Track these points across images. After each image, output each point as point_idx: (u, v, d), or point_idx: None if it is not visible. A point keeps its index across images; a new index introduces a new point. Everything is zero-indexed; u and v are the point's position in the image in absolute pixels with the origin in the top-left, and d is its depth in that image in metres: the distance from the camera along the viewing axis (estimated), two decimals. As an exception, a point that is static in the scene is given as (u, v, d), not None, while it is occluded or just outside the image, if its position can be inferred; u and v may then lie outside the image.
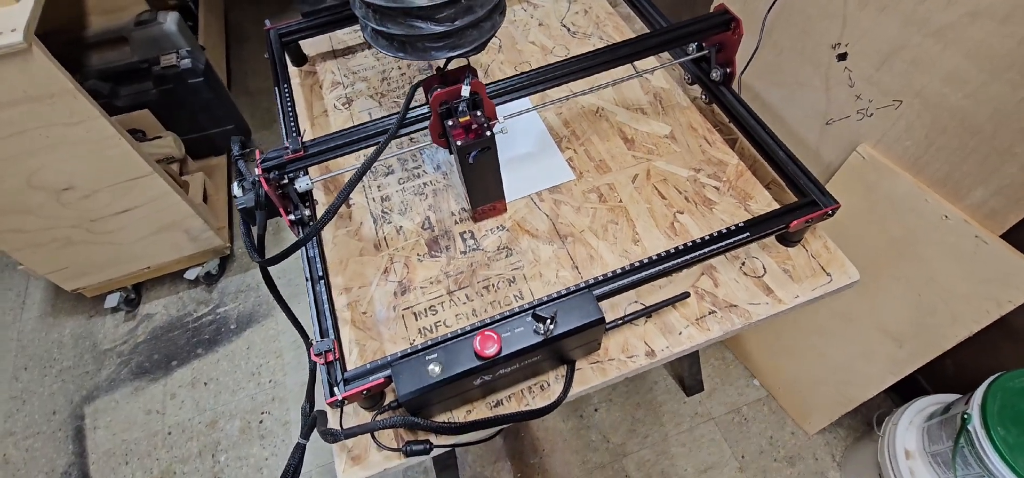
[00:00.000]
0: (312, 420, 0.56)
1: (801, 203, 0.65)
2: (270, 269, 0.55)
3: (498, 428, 0.59)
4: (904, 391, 1.23)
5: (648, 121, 0.83)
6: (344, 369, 0.58)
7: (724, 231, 0.63)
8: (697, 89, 0.84)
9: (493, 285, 0.69)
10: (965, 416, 0.89)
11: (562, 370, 0.61)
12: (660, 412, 1.40)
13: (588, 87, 0.78)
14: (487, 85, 0.67)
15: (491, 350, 0.52)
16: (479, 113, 0.63)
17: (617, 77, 0.78)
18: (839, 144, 0.98)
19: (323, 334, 0.59)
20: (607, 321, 0.62)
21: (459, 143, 0.61)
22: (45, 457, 1.42)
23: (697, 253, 0.62)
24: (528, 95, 0.69)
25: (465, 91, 0.62)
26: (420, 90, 0.65)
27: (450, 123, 0.63)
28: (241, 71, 2.23)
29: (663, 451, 1.32)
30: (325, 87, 0.93)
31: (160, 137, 1.54)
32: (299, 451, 0.56)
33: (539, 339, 0.53)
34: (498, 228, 0.74)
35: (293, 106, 0.80)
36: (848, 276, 0.66)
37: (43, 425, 1.47)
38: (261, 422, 1.45)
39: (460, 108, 0.62)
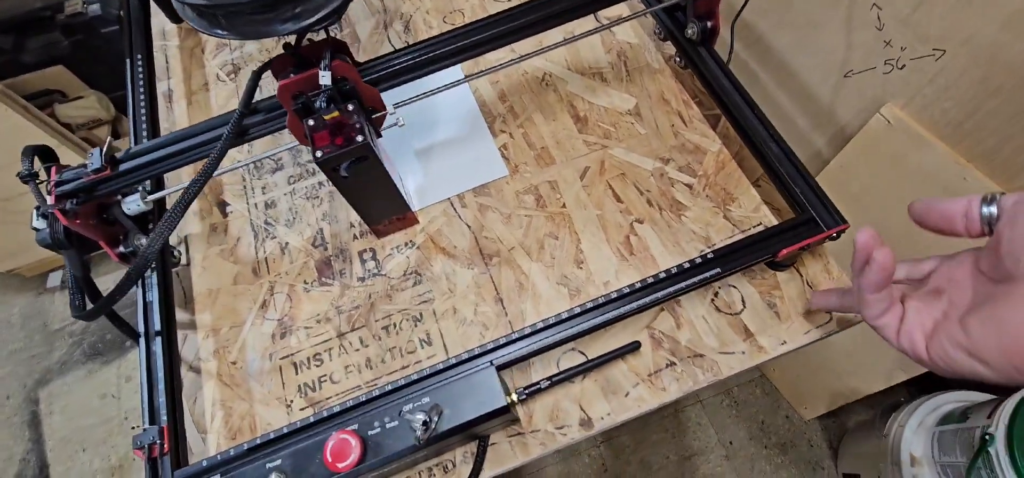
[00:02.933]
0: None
1: (796, 221, 0.48)
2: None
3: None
4: (919, 379, 1.09)
5: (607, 92, 0.64)
6: (181, 461, 0.44)
7: (686, 265, 0.47)
8: (673, 45, 0.64)
9: (395, 325, 0.54)
10: (986, 436, 0.75)
11: (471, 446, 0.48)
12: (644, 391, 1.29)
13: (535, 46, 0.59)
14: (369, 64, 0.49)
15: (349, 460, 0.38)
16: (352, 106, 0.46)
17: (571, 32, 0.58)
18: (859, 102, 0.78)
19: (153, 417, 0.45)
20: (532, 381, 0.48)
21: (318, 155, 0.44)
22: (2, 444, 1.37)
23: (644, 299, 0.46)
24: (439, 69, 0.51)
25: (324, 78, 0.44)
26: (267, 75, 0.47)
27: (311, 123, 0.45)
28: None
29: (643, 438, 1.22)
30: (208, 49, 0.74)
31: (81, 97, 1.36)
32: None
33: (411, 443, 0.38)
34: (406, 245, 0.58)
35: (149, 87, 0.63)
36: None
37: (-3, 411, 1.41)
38: (219, 406, 1.37)
39: (318, 103, 0.44)
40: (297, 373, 0.53)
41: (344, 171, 0.46)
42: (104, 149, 0.45)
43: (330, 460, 0.38)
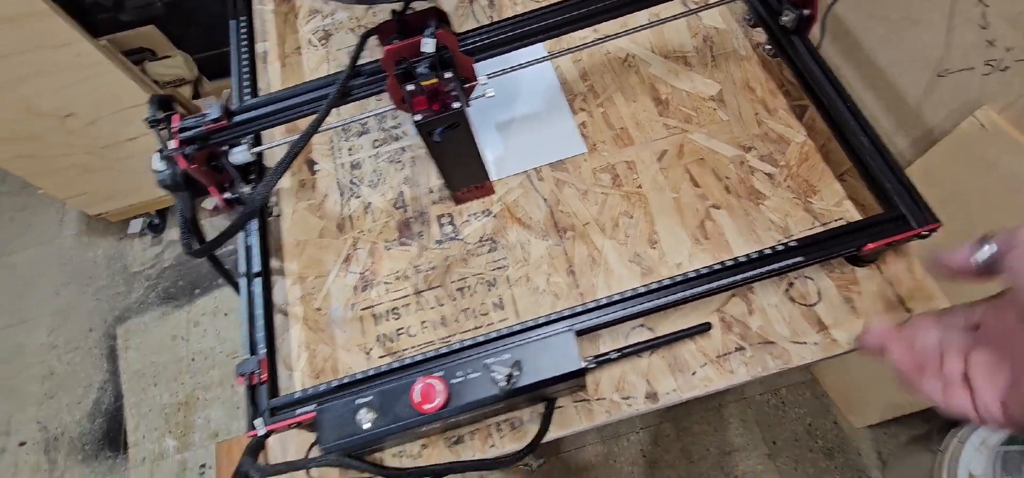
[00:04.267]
0: (253, 445, 0.48)
1: (883, 217, 0.47)
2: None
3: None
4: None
5: (691, 76, 0.64)
6: (274, 392, 0.49)
7: (768, 252, 0.47)
8: (762, 32, 0.63)
9: (469, 288, 0.56)
10: (1063, 461, 0.72)
11: (539, 408, 0.50)
12: (687, 384, 1.28)
13: (619, 28, 0.59)
14: (466, 35, 0.51)
15: (434, 403, 0.41)
16: (449, 75, 0.48)
17: (658, 14, 0.58)
18: (952, 103, 0.75)
19: (253, 349, 0.49)
20: (601, 352, 0.49)
21: (417, 118, 0.46)
22: (84, 372, 1.50)
23: (720, 281, 0.46)
24: (527, 45, 0.53)
25: (426, 46, 0.46)
26: (373, 40, 0.49)
27: (410, 88, 0.48)
28: (263, -23, 2.07)
29: (685, 428, 1.22)
30: (301, 15, 0.78)
31: (169, 56, 1.45)
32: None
33: (494, 393, 0.41)
34: (483, 212, 0.60)
35: (251, 47, 0.67)
36: (938, 316, 0.48)
37: (81, 341, 1.54)
38: (277, 356, 1.45)
39: (418, 69, 0.47)
40: (376, 324, 0.56)
41: (437, 136, 0.49)
42: (223, 101, 0.49)
43: (417, 401, 0.41)
